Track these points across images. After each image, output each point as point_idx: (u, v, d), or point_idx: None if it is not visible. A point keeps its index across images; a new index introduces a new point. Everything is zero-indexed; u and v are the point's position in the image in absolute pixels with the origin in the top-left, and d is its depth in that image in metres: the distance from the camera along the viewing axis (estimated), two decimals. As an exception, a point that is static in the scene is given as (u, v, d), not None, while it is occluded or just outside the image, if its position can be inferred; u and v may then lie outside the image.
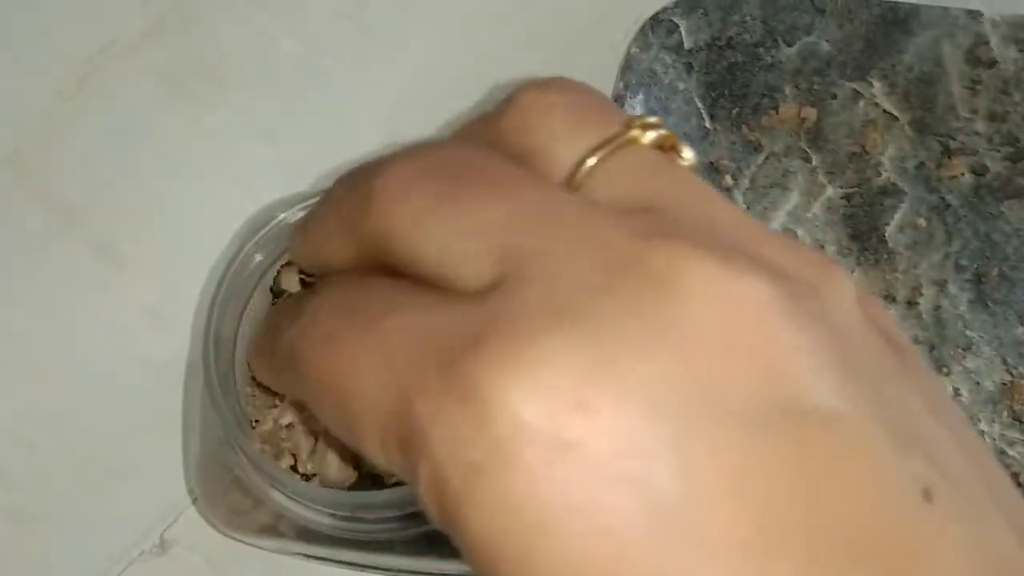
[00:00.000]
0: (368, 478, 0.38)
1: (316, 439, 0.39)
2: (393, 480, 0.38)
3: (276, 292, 0.42)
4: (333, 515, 0.37)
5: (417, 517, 0.37)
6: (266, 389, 0.40)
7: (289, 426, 0.39)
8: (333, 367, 0.22)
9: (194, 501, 0.42)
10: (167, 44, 0.52)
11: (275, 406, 0.39)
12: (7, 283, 0.49)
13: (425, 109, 0.51)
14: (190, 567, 0.44)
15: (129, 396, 0.46)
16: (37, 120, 0.50)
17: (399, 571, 0.40)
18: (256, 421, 0.39)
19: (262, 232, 0.38)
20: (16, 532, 0.45)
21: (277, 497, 0.37)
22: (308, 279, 0.42)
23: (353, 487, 0.38)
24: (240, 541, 0.40)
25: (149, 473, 0.45)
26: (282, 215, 0.38)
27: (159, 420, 0.45)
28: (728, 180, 0.47)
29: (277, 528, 0.38)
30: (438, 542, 0.37)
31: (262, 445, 0.38)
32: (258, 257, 0.38)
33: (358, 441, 0.22)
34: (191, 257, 0.45)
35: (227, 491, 0.38)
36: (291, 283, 0.41)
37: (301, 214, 0.37)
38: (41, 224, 0.49)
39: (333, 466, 0.38)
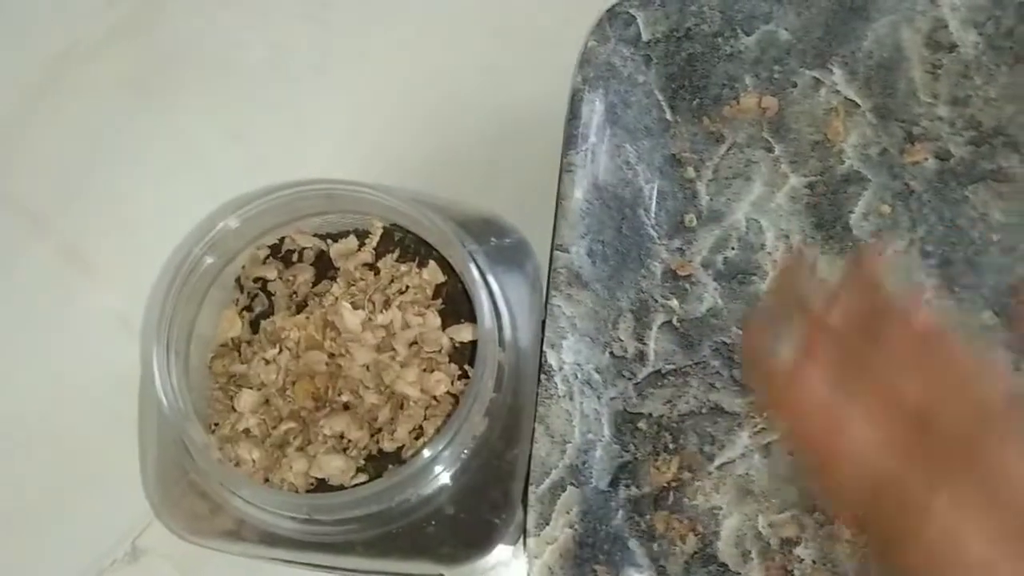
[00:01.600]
0: (329, 485, 0.38)
1: (278, 445, 0.39)
2: (351, 483, 0.38)
3: (242, 285, 0.42)
4: (293, 518, 0.37)
5: (376, 518, 0.37)
6: (225, 393, 0.40)
7: (246, 431, 0.39)
8: None
9: (153, 508, 0.41)
10: (131, 45, 0.52)
11: (233, 410, 0.39)
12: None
13: (390, 109, 0.51)
14: (161, 574, 0.44)
15: (99, 403, 0.46)
16: (2, 125, 0.50)
17: (362, 572, 0.40)
18: (215, 425, 0.39)
19: (209, 236, 0.38)
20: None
21: (236, 502, 0.37)
22: (270, 279, 0.42)
23: (311, 491, 0.38)
24: (203, 546, 0.40)
25: (120, 481, 0.44)
26: (224, 221, 0.37)
27: (129, 427, 0.45)
28: (691, 172, 0.46)
29: (239, 533, 0.38)
30: (399, 543, 0.37)
31: (220, 449, 0.38)
32: (208, 260, 0.38)
33: None
34: (158, 260, 0.45)
35: (185, 497, 0.38)
36: (267, 271, 0.41)
37: (249, 214, 0.37)
38: (8, 231, 0.50)
39: (332, 465, 0.38)
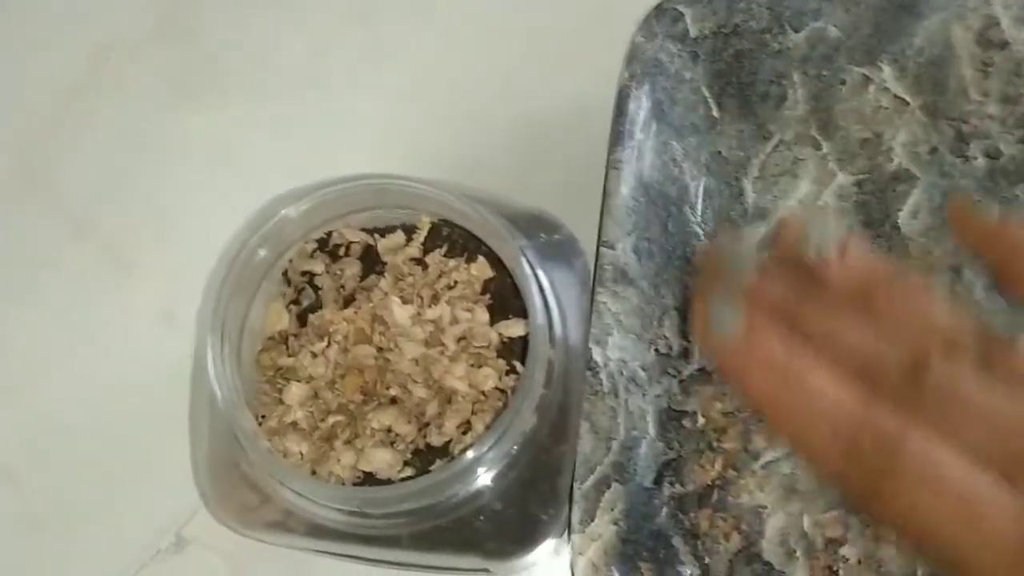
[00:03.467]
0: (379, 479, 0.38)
1: (325, 438, 0.39)
2: (399, 477, 0.38)
3: (289, 278, 0.42)
4: (340, 510, 0.37)
5: (424, 512, 0.37)
6: (272, 386, 0.40)
7: (294, 424, 0.39)
8: None
9: (203, 499, 0.42)
10: (173, 44, 0.52)
11: (281, 403, 0.39)
12: (22, 292, 0.49)
13: (430, 106, 0.51)
14: (206, 565, 0.45)
15: (143, 397, 0.46)
16: (43, 126, 0.51)
17: (408, 565, 0.40)
18: (263, 417, 0.40)
19: (265, 227, 0.38)
20: (33, 538, 0.46)
21: (286, 494, 0.38)
22: (316, 273, 0.42)
23: (358, 484, 0.38)
24: (251, 537, 0.40)
25: (164, 472, 0.45)
26: (284, 211, 0.38)
27: (174, 420, 0.45)
28: (737, 170, 0.46)
29: (286, 524, 0.39)
30: (446, 537, 0.37)
31: (269, 441, 0.38)
32: (262, 252, 0.38)
33: None
34: (202, 258, 0.45)
35: (236, 488, 0.38)
36: (314, 265, 0.41)
37: (305, 207, 0.37)
38: (53, 232, 0.50)
39: (379, 459, 0.38)
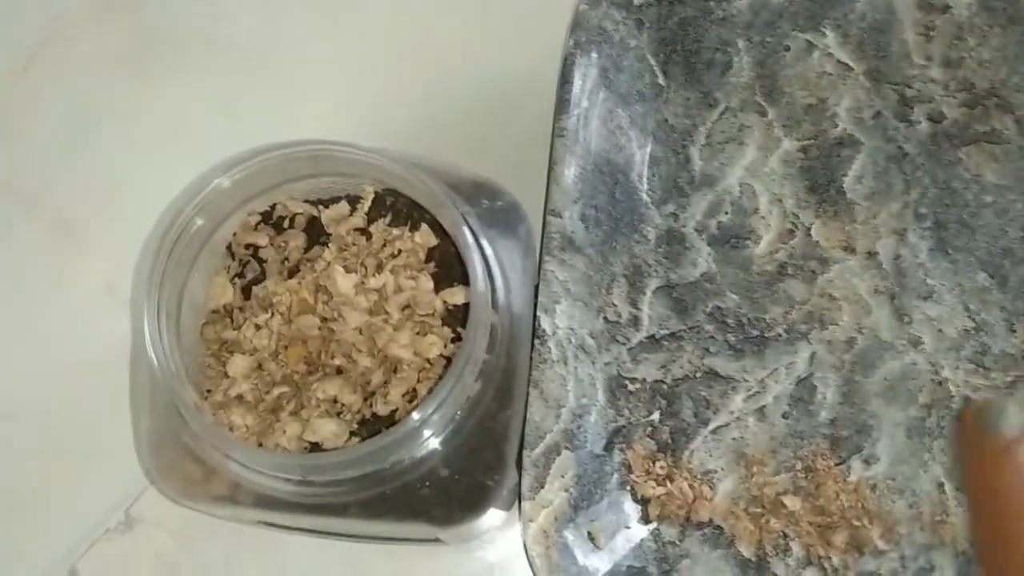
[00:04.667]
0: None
1: (271, 410, 0.39)
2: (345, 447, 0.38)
3: (233, 252, 0.42)
4: (287, 480, 0.37)
5: (370, 479, 0.37)
6: (217, 360, 0.40)
7: (239, 397, 0.39)
8: None
9: (147, 474, 0.41)
10: (119, 18, 0.51)
11: (226, 376, 0.39)
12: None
13: (380, 78, 0.51)
14: (156, 543, 0.44)
15: (90, 374, 0.46)
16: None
17: (359, 537, 0.40)
18: (208, 392, 0.39)
19: (200, 196, 0.37)
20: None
21: (230, 465, 0.37)
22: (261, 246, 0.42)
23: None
24: (198, 511, 0.40)
25: (111, 450, 0.44)
26: (218, 179, 0.37)
27: (119, 396, 0.45)
28: (684, 137, 0.46)
29: (234, 497, 0.38)
30: (392, 504, 0.37)
31: (213, 415, 0.38)
32: (199, 222, 0.38)
33: None
34: (146, 232, 0.45)
35: (180, 462, 0.38)
36: (258, 238, 0.41)
37: (240, 175, 0.37)
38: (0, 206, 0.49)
39: (325, 429, 0.38)
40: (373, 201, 0.41)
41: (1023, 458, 0.33)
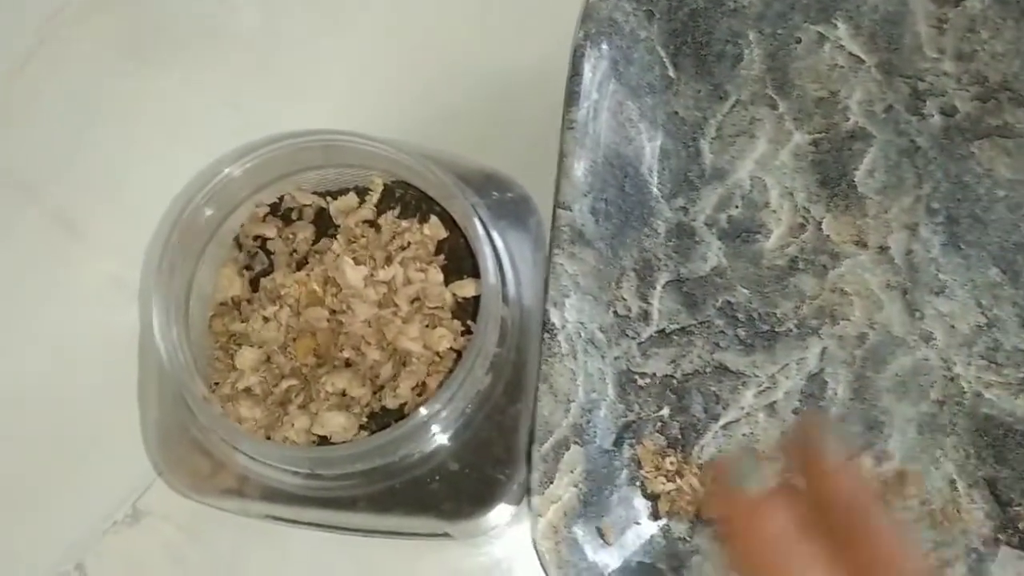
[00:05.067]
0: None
1: (279, 403, 0.39)
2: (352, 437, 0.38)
3: (241, 243, 0.41)
4: (295, 473, 0.37)
5: (379, 472, 0.36)
6: (225, 352, 0.40)
7: (247, 389, 0.38)
8: None
9: (155, 467, 0.41)
10: (122, 9, 0.51)
11: (235, 369, 0.39)
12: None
13: (389, 69, 0.50)
14: (163, 535, 0.44)
15: (95, 366, 0.46)
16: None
17: (368, 531, 0.40)
18: (216, 384, 0.39)
19: (209, 186, 0.37)
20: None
21: (239, 458, 0.37)
22: (268, 237, 0.41)
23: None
24: (206, 504, 0.39)
25: (119, 444, 0.44)
26: (227, 169, 0.37)
27: (126, 389, 0.44)
28: (694, 130, 0.46)
29: (242, 490, 0.38)
30: (401, 498, 0.37)
31: (221, 407, 0.38)
32: (208, 212, 0.38)
33: None
34: (153, 223, 0.45)
35: (187, 455, 0.38)
36: (266, 229, 0.41)
37: (249, 165, 0.36)
38: (3, 199, 0.49)
39: (334, 423, 0.37)
40: (382, 193, 0.41)
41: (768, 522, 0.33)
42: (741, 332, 0.43)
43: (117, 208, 0.48)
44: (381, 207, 0.41)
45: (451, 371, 0.37)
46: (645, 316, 0.44)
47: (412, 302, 0.39)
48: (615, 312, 0.43)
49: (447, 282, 0.39)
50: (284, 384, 0.38)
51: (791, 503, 0.32)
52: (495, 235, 0.38)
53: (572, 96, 0.43)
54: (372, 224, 0.41)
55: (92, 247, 0.48)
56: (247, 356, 0.39)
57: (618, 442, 0.42)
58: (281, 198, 0.42)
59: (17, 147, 0.50)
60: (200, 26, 0.51)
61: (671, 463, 0.42)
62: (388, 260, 0.39)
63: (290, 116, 0.48)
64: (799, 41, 0.46)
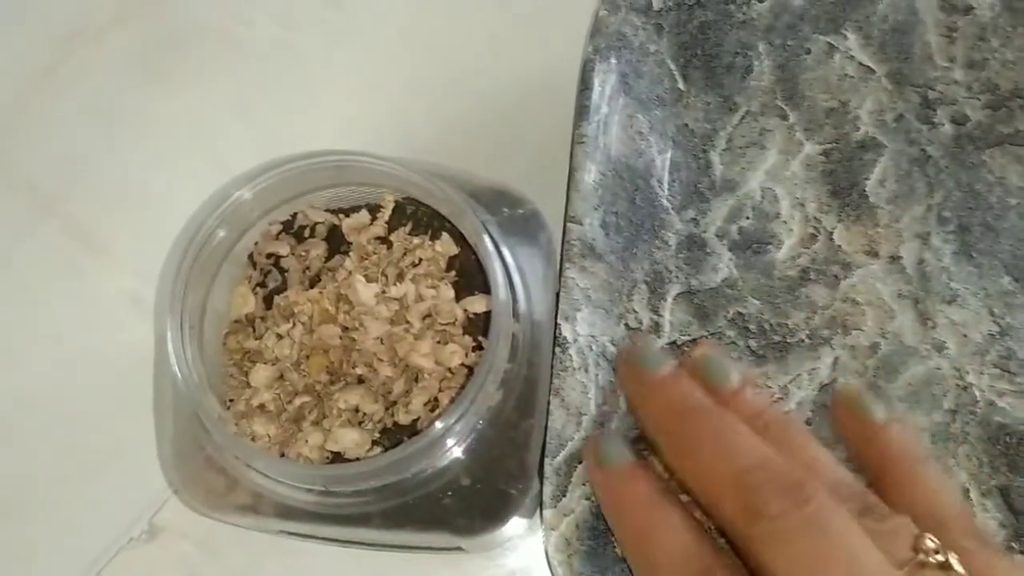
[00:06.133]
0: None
1: (293, 420, 0.39)
2: (367, 456, 0.38)
3: (255, 261, 0.42)
4: (309, 490, 0.37)
5: (392, 489, 0.37)
6: (240, 369, 0.40)
7: (261, 406, 0.39)
8: None
9: (171, 484, 0.41)
10: (138, 26, 0.52)
11: (249, 386, 0.39)
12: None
13: (400, 84, 0.51)
14: (179, 552, 0.45)
15: (111, 382, 0.46)
16: (10, 108, 0.51)
17: (381, 545, 0.40)
18: (230, 401, 0.39)
19: (221, 208, 0.37)
20: (1, 526, 0.45)
21: (253, 476, 0.37)
22: (282, 256, 0.42)
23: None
24: (221, 521, 0.40)
25: (134, 460, 0.45)
26: (238, 191, 0.37)
27: (142, 406, 0.45)
28: (704, 142, 0.46)
29: (256, 507, 0.38)
30: (415, 514, 0.37)
31: (236, 425, 0.38)
32: (221, 233, 0.38)
33: None
34: (170, 240, 0.45)
35: (203, 472, 0.38)
36: (279, 247, 0.41)
37: (261, 186, 0.37)
38: (17, 213, 0.50)
39: (347, 439, 0.38)
40: (393, 210, 0.41)
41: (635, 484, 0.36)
42: (752, 343, 0.43)
43: (135, 223, 0.48)
44: (392, 224, 0.41)
45: (463, 387, 0.38)
46: (656, 328, 0.44)
47: (424, 319, 0.39)
48: (626, 325, 0.43)
49: (458, 298, 0.39)
50: (298, 401, 0.39)
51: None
52: (505, 251, 0.38)
53: (582, 110, 0.43)
54: (384, 241, 0.41)
55: (109, 262, 0.48)
56: (261, 373, 0.39)
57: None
58: (294, 215, 0.42)
59: (36, 160, 0.50)
60: (217, 42, 0.52)
61: None
62: (400, 277, 0.39)
63: (303, 130, 0.49)
64: (809, 52, 0.46)
